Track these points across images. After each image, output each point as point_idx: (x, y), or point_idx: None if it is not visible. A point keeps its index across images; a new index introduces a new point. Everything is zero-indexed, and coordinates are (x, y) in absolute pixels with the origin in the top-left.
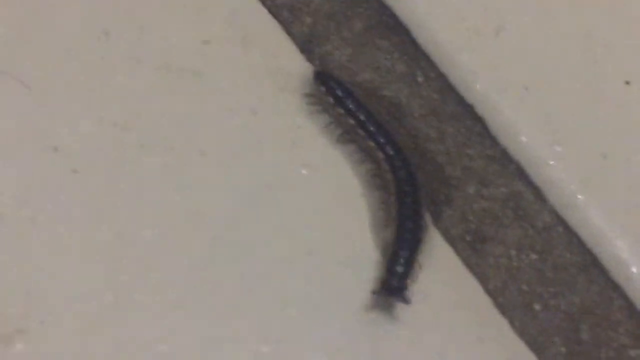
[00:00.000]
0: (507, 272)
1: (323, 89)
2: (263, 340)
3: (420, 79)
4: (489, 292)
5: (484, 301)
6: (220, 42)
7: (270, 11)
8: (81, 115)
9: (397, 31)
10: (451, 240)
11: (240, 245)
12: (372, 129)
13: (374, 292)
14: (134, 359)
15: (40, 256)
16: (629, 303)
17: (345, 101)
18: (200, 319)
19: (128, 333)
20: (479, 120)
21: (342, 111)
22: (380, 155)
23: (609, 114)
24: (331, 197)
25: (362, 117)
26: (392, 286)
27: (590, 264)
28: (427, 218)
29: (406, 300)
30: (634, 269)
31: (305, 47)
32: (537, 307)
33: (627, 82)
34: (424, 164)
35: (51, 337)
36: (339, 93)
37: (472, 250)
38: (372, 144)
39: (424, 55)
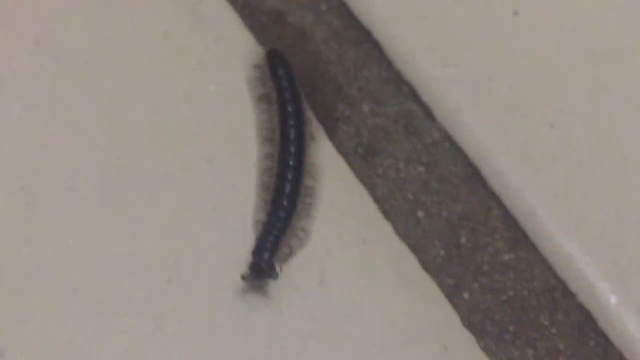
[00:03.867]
0: (394, 182)
1: (269, 67)
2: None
3: (323, 7)
4: (377, 200)
5: (371, 208)
6: None
7: None
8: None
9: None
10: (344, 153)
11: (149, 152)
12: (290, 125)
13: (243, 277)
14: (45, 254)
15: None
16: (505, 212)
17: (282, 91)
18: (110, 219)
19: (40, 242)
20: (376, 44)
21: (276, 95)
22: (280, 148)
23: (496, 40)
24: (235, 111)
25: (288, 113)
26: (260, 269)
27: (472, 176)
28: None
29: (274, 277)
30: (512, 182)
31: None
32: (420, 214)
33: (515, 13)
34: (324, 84)
35: None
36: (282, 80)
37: (363, 161)
38: (283, 136)
39: None
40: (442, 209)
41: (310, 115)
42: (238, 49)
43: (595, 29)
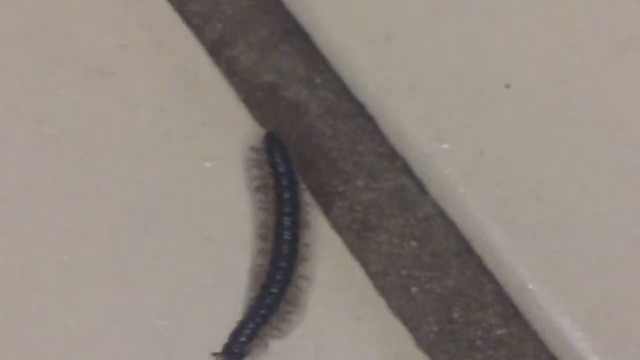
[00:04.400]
0: (388, 257)
1: (266, 150)
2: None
3: (318, 81)
4: (370, 276)
5: (365, 284)
6: (135, 45)
7: (183, 17)
8: (4, 113)
9: (298, 37)
10: (338, 228)
11: (145, 229)
12: (285, 212)
13: (214, 354)
14: (43, 330)
15: None
16: (498, 287)
17: (278, 176)
18: (106, 295)
19: (38, 305)
20: (370, 119)
21: (273, 179)
22: (275, 234)
23: (488, 114)
24: (230, 188)
25: (283, 199)
26: (231, 352)
27: (465, 251)
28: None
29: None
30: (505, 257)
31: (214, 50)
32: (414, 289)
33: (507, 86)
34: (318, 159)
35: None
36: (278, 165)
37: (357, 237)
38: (278, 222)
39: (322, 59)
40: (435, 284)
41: (306, 198)
42: (234, 125)
43: (585, 102)
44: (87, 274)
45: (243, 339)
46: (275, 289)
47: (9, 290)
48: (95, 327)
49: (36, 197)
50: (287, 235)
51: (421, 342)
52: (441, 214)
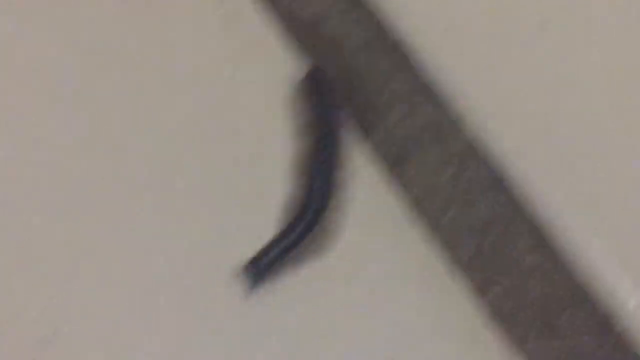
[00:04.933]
0: (423, 187)
1: (309, 84)
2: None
3: (357, 16)
4: (407, 203)
5: (402, 210)
6: None
7: None
8: (55, 39)
9: None
10: (376, 159)
11: (188, 153)
12: (325, 145)
13: (237, 269)
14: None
15: None
16: (530, 216)
17: (320, 109)
18: (149, 214)
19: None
20: (406, 55)
21: (314, 113)
22: (315, 167)
23: (520, 52)
24: (273, 119)
25: (324, 131)
26: (250, 269)
27: (498, 182)
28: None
29: (257, 282)
30: (537, 188)
31: None
32: (448, 217)
33: (541, 26)
34: (356, 92)
35: None
36: (320, 99)
37: (393, 168)
38: (317, 154)
39: None
40: (470, 212)
41: (344, 130)
42: (275, 57)
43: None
44: (132, 192)
45: (268, 259)
46: (309, 216)
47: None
48: (140, 246)
49: (84, 121)
50: (324, 165)
51: (456, 266)
52: (475, 146)
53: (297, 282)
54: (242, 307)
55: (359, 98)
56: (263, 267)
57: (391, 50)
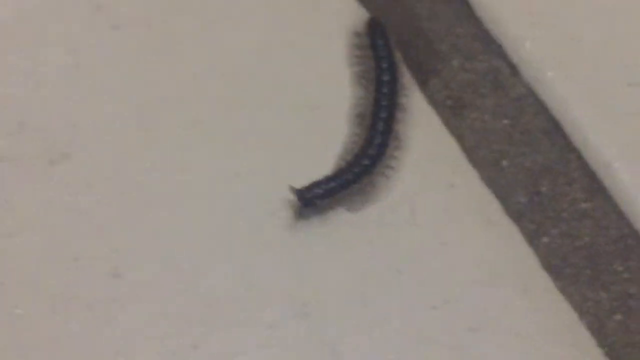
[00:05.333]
0: (481, 133)
1: (369, 35)
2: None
3: None
4: (464, 149)
5: (459, 156)
6: None
7: None
8: None
9: None
10: (434, 104)
11: (247, 95)
12: (384, 93)
13: (291, 187)
14: (157, 180)
15: (82, 96)
16: (584, 164)
17: (380, 59)
18: (213, 149)
19: (153, 159)
20: (466, 3)
21: (373, 62)
22: (373, 122)
23: (581, 1)
24: (333, 62)
25: (384, 80)
26: (302, 195)
27: (554, 130)
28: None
29: (305, 206)
30: (591, 136)
31: None
32: (504, 163)
33: None
34: (416, 39)
35: (91, 161)
36: (380, 49)
37: (452, 113)
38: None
39: None
40: (525, 159)
41: (404, 77)
42: (338, 4)
43: None
44: (192, 131)
45: (318, 190)
46: (366, 158)
47: (133, 146)
48: (202, 183)
49: (150, 60)
50: (384, 112)
51: (510, 211)
52: (532, 94)
53: (355, 225)
54: (299, 246)
55: (419, 46)
56: (314, 195)
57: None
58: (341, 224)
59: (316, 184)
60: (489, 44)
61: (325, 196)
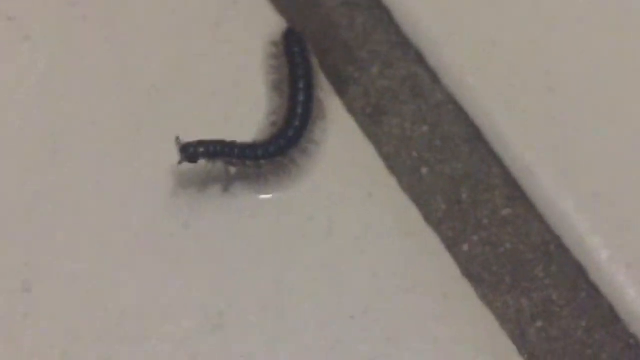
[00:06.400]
0: (400, 140)
1: (285, 45)
2: None
3: None
4: (383, 157)
5: (377, 164)
6: None
7: None
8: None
9: None
10: (353, 112)
11: (167, 108)
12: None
13: (176, 138)
14: (66, 194)
15: None
16: (505, 170)
17: (295, 66)
18: (124, 163)
19: (62, 173)
20: (385, 10)
21: (289, 71)
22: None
23: (499, 6)
24: (249, 72)
25: (298, 88)
26: (186, 148)
27: (474, 136)
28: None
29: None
30: (512, 142)
31: None
32: (424, 170)
33: None
34: (335, 47)
35: None
36: (295, 56)
37: (370, 121)
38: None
39: None
40: (445, 166)
41: (322, 83)
42: (254, 13)
43: None
44: (109, 145)
45: (203, 148)
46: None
47: (36, 165)
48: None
49: (62, 70)
50: (299, 118)
51: (430, 219)
52: (452, 101)
53: (271, 235)
54: (213, 257)
55: (337, 53)
56: (196, 151)
57: (370, 6)
58: (257, 233)
59: (202, 142)
60: (408, 51)
61: (207, 155)
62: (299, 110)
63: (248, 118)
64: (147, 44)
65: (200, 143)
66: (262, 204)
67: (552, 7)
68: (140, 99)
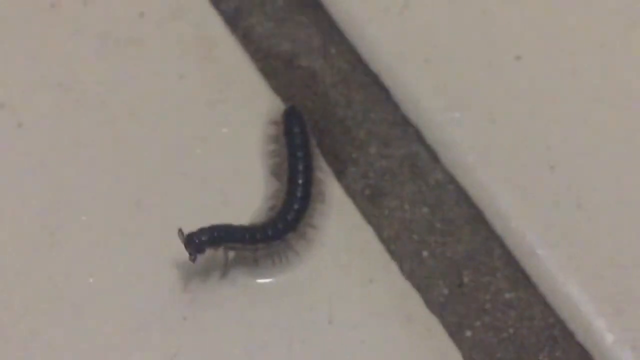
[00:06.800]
0: (400, 223)
1: (285, 125)
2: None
3: (332, 51)
4: (383, 240)
5: (378, 248)
6: (153, 14)
7: None
8: (28, 76)
9: (313, 7)
10: (352, 194)
11: (164, 194)
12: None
13: (179, 230)
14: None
15: None
16: (507, 252)
17: (295, 149)
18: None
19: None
20: (383, 88)
21: (287, 152)
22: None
23: (499, 84)
24: (246, 154)
25: (298, 170)
26: (191, 240)
27: (475, 217)
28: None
29: (192, 259)
30: (514, 223)
31: (231, 20)
32: (425, 254)
33: (518, 57)
34: (333, 127)
35: None
36: (296, 139)
37: (370, 203)
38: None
39: (336, 29)
40: (446, 249)
41: (320, 165)
42: (250, 92)
43: (596, 74)
44: (106, 233)
45: (207, 236)
46: (267, 228)
47: (34, 251)
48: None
49: (57, 157)
50: (298, 200)
51: (432, 304)
52: (452, 181)
53: (271, 324)
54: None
55: (335, 133)
56: (201, 240)
57: (368, 85)
58: (257, 322)
59: (204, 230)
60: (407, 129)
61: (213, 243)
62: (298, 194)
63: (246, 202)
64: (141, 129)
65: (202, 231)
66: (261, 289)
67: (550, 83)
68: (136, 185)
